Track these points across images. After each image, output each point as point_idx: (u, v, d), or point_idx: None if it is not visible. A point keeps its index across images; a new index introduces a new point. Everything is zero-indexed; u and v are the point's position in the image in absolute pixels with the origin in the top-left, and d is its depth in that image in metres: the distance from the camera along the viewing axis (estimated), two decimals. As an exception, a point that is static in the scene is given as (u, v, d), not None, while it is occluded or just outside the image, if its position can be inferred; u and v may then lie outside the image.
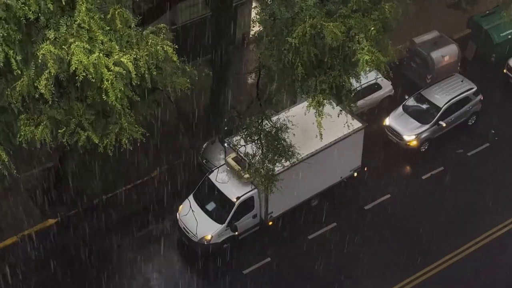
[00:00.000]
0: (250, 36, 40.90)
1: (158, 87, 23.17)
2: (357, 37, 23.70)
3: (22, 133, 21.56)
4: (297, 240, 34.94)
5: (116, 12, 20.59)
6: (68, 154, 32.96)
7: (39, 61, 19.96)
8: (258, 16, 26.04)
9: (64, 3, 19.88)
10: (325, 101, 25.19)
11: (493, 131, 40.08)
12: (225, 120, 38.20)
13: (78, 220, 35.08)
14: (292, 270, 33.88)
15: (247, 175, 32.31)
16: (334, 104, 27.22)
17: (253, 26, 27.10)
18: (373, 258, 34.39)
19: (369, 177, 37.29)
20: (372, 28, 23.85)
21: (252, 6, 40.30)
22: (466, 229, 35.62)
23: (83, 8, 19.77)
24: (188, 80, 23.63)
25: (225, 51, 36.85)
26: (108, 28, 20.35)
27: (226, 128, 37.26)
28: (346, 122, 31.10)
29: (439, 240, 35.17)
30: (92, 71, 19.68)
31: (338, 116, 28.28)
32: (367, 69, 23.59)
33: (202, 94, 37.52)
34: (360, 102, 35.70)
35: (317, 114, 25.03)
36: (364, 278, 33.65)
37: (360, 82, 26.53)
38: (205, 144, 37.54)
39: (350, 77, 25.31)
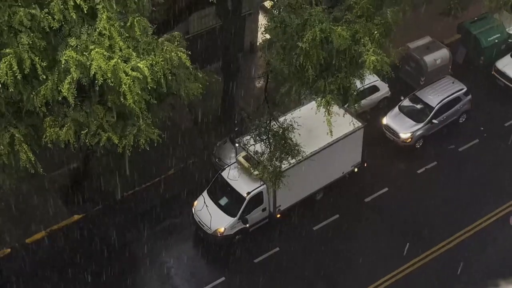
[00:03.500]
0: (258, 43, 40.71)
1: (173, 92, 22.93)
2: (362, 40, 23.84)
3: (48, 134, 21.65)
4: (303, 231, 34.84)
5: (135, 20, 20.52)
6: (91, 154, 32.98)
7: (62, 66, 19.88)
8: (269, 24, 25.94)
9: (85, 12, 19.80)
10: (332, 101, 25.25)
11: (482, 128, 39.98)
12: (236, 121, 38.27)
13: (101, 215, 35.04)
14: (299, 258, 33.80)
15: (256, 172, 32.01)
16: (339, 106, 27.11)
17: (265, 33, 26.86)
18: (374, 246, 34.27)
19: (368, 172, 37.14)
20: (376, 32, 24.05)
21: (263, 15, 40.27)
22: (458, 218, 35.46)
23: (104, 17, 19.73)
24: (200, 86, 23.45)
25: (235, 58, 37.07)
26: (127, 35, 20.26)
27: (236, 129, 37.26)
28: (352, 121, 31.48)
29: (433, 228, 35.02)
30: (110, 76, 19.58)
31: (344, 115, 28.16)
32: (372, 68, 23.73)
33: (214, 98, 37.52)
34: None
35: (326, 113, 25.07)
36: (365, 264, 33.51)
37: (364, 83, 26.70)
38: (217, 144, 37.49)
39: (355, 78, 25.53)
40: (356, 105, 27.67)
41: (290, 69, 25.26)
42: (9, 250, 33.24)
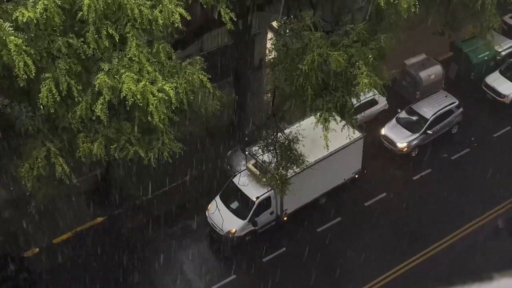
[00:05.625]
0: (266, 60, 40.86)
1: (193, 109, 23.39)
2: (357, 63, 24.08)
3: (81, 149, 21.88)
4: (308, 233, 35.09)
5: (160, 47, 20.90)
6: (113, 162, 32.96)
7: (96, 89, 20.20)
8: (273, 46, 26.30)
9: (117, 40, 20.15)
10: (331, 117, 25.51)
11: (472, 138, 40.19)
12: (246, 132, 38.33)
13: (123, 218, 35.32)
14: (304, 258, 34.03)
15: (264, 179, 32.34)
16: (338, 120, 27.57)
17: (270, 55, 27.41)
18: (373, 247, 34.57)
19: (368, 178, 37.31)
20: (370, 56, 24.35)
21: (268, 38, 40.25)
22: (451, 221, 35.64)
23: (134, 44, 20.04)
24: (218, 103, 23.93)
25: (245, 74, 37.03)
26: (154, 60, 20.59)
27: (246, 139, 37.33)
28: (348, 136, 31.29)
29: (428, 230, 35.22)
30: (139, 97, 19.91)
31: (342, 130, 28.56)
32: (366, 90, 24.04)
33: (226, 111, 36.71)
34: (360, 115, 35.91)
35: (324, 129, 25.32)
36: (365, 263, 33.74)
37: (360, 100, 26.85)
38: (229, 153, 37.64)
39: (351, 97, 25.61)
40: (353, 118, 27.94)
41: (291, 88, 25.59)
42: (37, 249, 33.52)
